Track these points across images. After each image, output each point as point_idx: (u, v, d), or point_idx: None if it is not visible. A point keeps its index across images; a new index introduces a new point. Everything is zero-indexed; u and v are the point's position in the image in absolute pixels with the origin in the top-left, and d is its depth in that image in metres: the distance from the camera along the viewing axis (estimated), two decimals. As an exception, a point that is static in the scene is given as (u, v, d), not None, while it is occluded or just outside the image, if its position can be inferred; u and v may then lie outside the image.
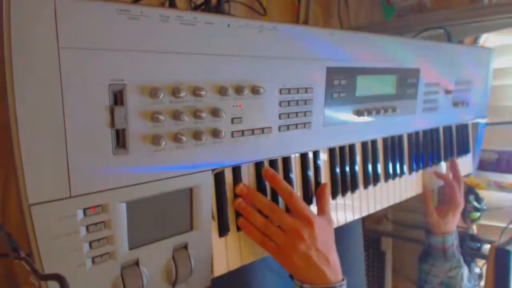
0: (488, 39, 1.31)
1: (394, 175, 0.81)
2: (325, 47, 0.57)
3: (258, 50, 0.49)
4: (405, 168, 0.84)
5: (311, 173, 0.63)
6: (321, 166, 0.65)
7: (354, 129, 0.66)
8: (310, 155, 0.63)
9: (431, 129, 0.90)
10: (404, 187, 0.84)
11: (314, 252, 0.48)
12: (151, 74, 0.40)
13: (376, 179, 0.76)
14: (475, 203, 1.36)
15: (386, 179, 0.79)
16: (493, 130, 1.23)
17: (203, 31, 0.43)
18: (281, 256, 0.50)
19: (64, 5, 0.33)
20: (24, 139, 0.33)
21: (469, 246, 1.34)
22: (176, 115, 0.42)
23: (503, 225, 1.31)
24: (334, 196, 0.68)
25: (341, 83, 0.61)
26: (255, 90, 0.49)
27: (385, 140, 0.78)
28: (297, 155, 0.62)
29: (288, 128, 0.55)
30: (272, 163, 0.58)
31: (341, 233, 0.65)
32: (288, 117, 0.54)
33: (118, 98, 0.38)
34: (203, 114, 0.44)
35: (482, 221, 1.39)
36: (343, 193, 0.69)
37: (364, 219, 1.60)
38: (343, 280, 0.52)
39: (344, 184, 0.69)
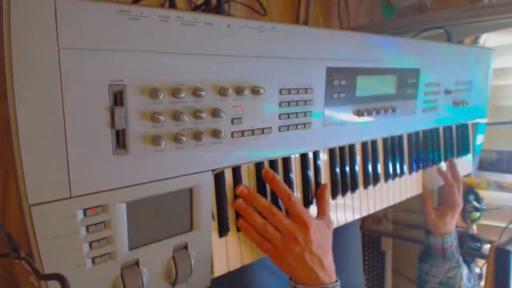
0: (488, 39, 1.31)
1: (394, 175, 0.81)
2: (325, 47, 0.57)
3: (258, 50, 0.49)
4: (405, 168, 0.84)
5: (311, 173, 0.63)
6: (321, 166, 0.65)
7: (354, 129, 0.66)
8: (310, 155, 0.63)
9: (431, 129, 0.90)
10: (404, 187, 0.84)
11: (308, 255, 0.49)
12: (151, 75, 0.40)
13: (376, 179, 0.76)
14: (475, 203, 1.36)
15: (386, 179, 0.79)
16: (493, 130, 1.23)
17: (203, 31, 0.43)
18: (277, 257, 0.52)
19: (64, 5, 0.33)
20: (24, 139, 0.33)
21: (469, 246, 1.34)
22: (176, 116, 0.42)
23: (503, 225, 1.31)
24: (334, 196, 0.68)
25: (341, 83, 0.61)
26: (255, 90, 0.49)
27: (385, 140, 0.78)
28: (297, 155, 0.62)
29: (288, 129, 0.55)
30: (272, 163, 0.58)
31: (339, 232, 0.65)
32: (288, 117, 0.54)
33: (118, 98, 0.38)
34: (203, 115, 0.44)
35: (482, 221, 1.39)
36: (343, 193, 0.69)
37: (364, 219, 1.60)
38: (336, 281, 0.53)
39: (344, 184, 0.69)
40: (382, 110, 0.69)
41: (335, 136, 0.63)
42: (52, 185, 0.35)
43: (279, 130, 0.54)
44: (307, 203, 0.63)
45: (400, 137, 0.82)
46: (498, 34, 1.29)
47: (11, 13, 0.31)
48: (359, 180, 0.73)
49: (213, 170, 0.48)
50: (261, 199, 0.52)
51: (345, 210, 0.70)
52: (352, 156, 0.71)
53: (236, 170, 0.54)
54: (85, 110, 0.36)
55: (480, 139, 1.10)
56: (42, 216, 0.35)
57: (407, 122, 0.78)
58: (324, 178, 0.66)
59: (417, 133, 0.86)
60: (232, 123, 0.48)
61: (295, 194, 0.61)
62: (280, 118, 0.53)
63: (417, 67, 0.75)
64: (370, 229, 1.63)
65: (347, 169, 0.69)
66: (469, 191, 1.39)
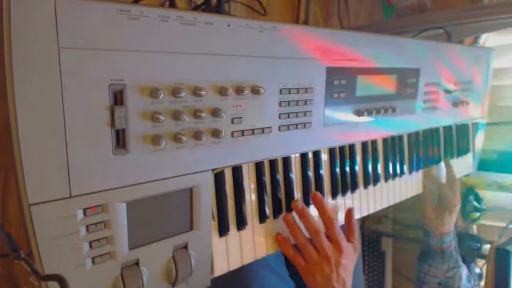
0: (488, 39, 1.31)
1: (394, 175, 0.81)
2: (325, 47, 0.57)
3: (258, 50, 0.49)
4: (405, 168, 0.84)
5: (311, 173, 0.63)
6: (321, 166, 0.65)
7: (354, 129, 0.66)
8: (310, 155, 0.63)
9: (431, 129, 0.90)
10: (404, 187, 0.84)
11: (335, 275, 0.54)
12: (151, 74, 0.40)
13: (376, 179, 0.76)
14: (475, 203, 1.36)
15: (386, 179, 0.79)
16: (493, 130, 1.23)
17: (203, 31, 0.43)
18: (307, 272, 0.55)
19: (64, 5, 0.33)
20: (24, 139, 0.33)
21: (469, 246, 1.34)
22: (176, 115, 0.42)
23: (503, 225, 1.31)
24: (334, 196, 0.68)
25: (341, 83, 0.61)
26: (255, 90, 0.49)
27: (385, 140, 0.78)
28: (297, 155, 0.62)
29: (288, 128, 0.55)
30: (272, 163, 0.58)
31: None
32: (288, 117, 0.54)
33: (118, 98, 0.38)
34: (203, 114, 0.44)
35: (482, 221, 1.39)
36: (343, 193, 0.69)
37: (364, 219, 1.60)
38: None
39: (344, 184, 0.69)
40: (382, 110, 0.69)
41: (335, 136, 0.63)
42: (52, 184, 0.35)
43: (279, 130, 0.54)
44: (307, 203, 0.63)
45: (400, 137, 0.82)
46: (498, 34, 1.29)
47: (11, 13, 0.31)
48: (359, 180, 0.73)
49: (213, 170, 0.48)
50: (311, 219, 0.56)
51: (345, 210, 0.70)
52: (352, 156, 0.71)
53: (236, 170, 0.54)
54: (85, 110, 0.36)
55: (480, 139, 1.10)
56: (42, 215, 0.35)
57: (407, 122, 0.78)
58: (324, 178, 0.66)
59: (417, 133, 0.86)
60: (232, 122, 0.48)
61: (295, 194, 0.61)
62: (280, 117, 0.53)
63: (417, 67, 0.75)
64: (370, 229, 1.63)
65: (347, 169, 0.69)
66: (469, 191, 1.39)
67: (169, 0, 0.64)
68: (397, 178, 0.82)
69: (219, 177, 0.51)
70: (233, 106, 0.48)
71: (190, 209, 0.47)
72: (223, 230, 0.52)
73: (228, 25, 0.45)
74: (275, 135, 0.53)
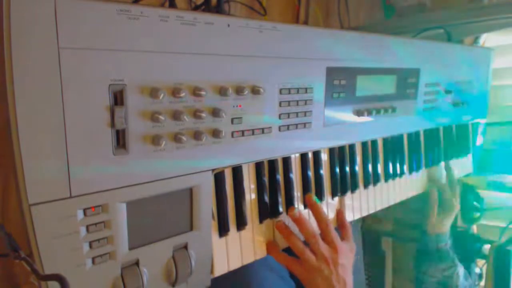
0: (488, 39, 1.31)
1: (394, 175, 0.81)
2: (325, 47, 0.57)
3: (258, 50, 0.49)
4: (405, 168, 0.84)
5: (311, 173, 0.63)
6: (321, 166, 0.65)
7: (354, 129, 0.66)
8: (310, 155, 0.63)
9: (431, 129, 0.90)
10: (404, 187, 0.84)
11: (335, 276, 0.55)
12: (151, 74, 0.40)
13: (376, 179, 0.76)
14: (475, 203, 1.36)
15: (386, 179, 0.79)
16: (493, 130, 1.23)
17: (203, 31, 0.43)
18: (306, 276, 0.56)
19: (64, 5, 0.33)
20: (24, 139, 0.33)
21: (469, 246, 1.34)
22: (176, 115, 0.42)
23: (503, 225, 1.31)
24: (334, 196, 0.68)
25: (341, 83, 0.61)
26: (255, 90, 0.49)
27: (385, 140, 0.78)
28: (297, 155, 0.62)
29: (288, 128, 0.55)
30: (272, 163, 0.58)
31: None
32: (288, 117, 0.54)
33: (118, 98, 0.38)
34: (203, 114, 0.44)
35: (482, 221, 1.39)
36: (343, 193, 0.69)
37: (364, 219, 1.60)
38: None
39: (344, 184, 0.69)
40: (382, 110, 0.69)
41: (335, 136, 0.63)
42: (52, 184, 0.35)
43: (279, 130, 0.54)
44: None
45: (400, 137, 0.82)
46: (498, 34, 1.29)
47: (11, 13, 0.31)
48: (359, 180, 0.73)
49: (213, 170, 0.48)
50: (307, 225, 0.56)
51: (345, 210, 0.70)
52: (352, 156, 0.70)
53: (236, 170, 0.54)
54: (85, 110, 0.36)
55: (480, 139, 1.10)
56: (42, 215, 0.35)
57: (407, 122, 0.78)
58: (324, 178, 0.66)
59: (417, 133, 0.86)
60: (232, 122, 0.48)
61: (295, 194, 0.61)
62: (280, 118, 0.53)
63: (417, 67, 0.75)
64: (370, 229, 1.63)
65: (347, 169, 0.69)
66: (469, 191, 1.39)
67: (169, 0, 0.64)
68: (397, 178, 0.82)
69: (219, 177, 0.51)
70: (233, 106, 0.48)
71: (190, 209, 0.47)
72: (223, 230, 0.52)
73: (228, 25, 0.45)
74: (275, 135, 0.53)
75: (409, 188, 0.86)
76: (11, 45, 0.31)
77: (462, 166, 1.04)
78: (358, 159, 0.72)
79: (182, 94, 0.42)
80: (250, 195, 0.56)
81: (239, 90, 0.47)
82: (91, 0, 0.35)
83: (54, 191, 0.35)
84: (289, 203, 0.60)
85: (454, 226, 0.93)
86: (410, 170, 0.85)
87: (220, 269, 0.52)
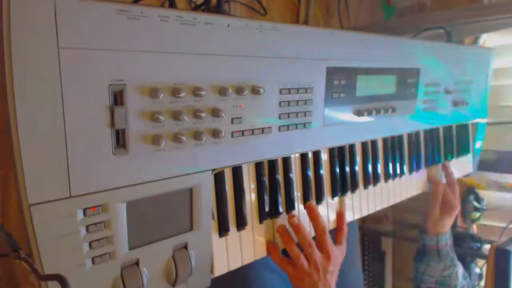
0: (488, 39, 1.31)
1: (394, 175, 0.81)
2: (325, 47, 0.57)
3: (258, 50, 0.49)
4: (405, 168, 0.84)
5: (311, 173, 0.63)
6: (321, 166, 0.65)
7: (354, 129, 0.66)
8: (310, 155, 0.63)
9: (431, 129, 0.90)
10: (404, 187, 0.84)
11: (322, 280, 0.57)
12: (151, 74, 0.40)
13: (376, 179, 0.76)
14: (475, 203, 1.36)
15: (386, 179, 0.79)
16: (493, 130, 1.23)
17: (203, 31, 0.43)
18: (295, 277, 0.58)
19: (64, 5, 0.33)
20: (24, 139, 0.33)
21: (469, 246, 1.34)
22: (176, 115, 0.42)
23: (503, 225, 1.31)
24: (334, 196, 0.68)
25: (341, 83, 0.61)
26: (255, 90, 0.49)
27: (385, 140, 0.78)
28: (297, 155, 0.62)
29: (288, 128, 0.55)
30: (272, 163, 0.58)
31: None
32: (288, 117, 0.54)
33: (118, 98, 0.38)
34: (203, 114, 0.44)
35: (482, 221, 1.39)
36: (343, 193, 0.69)
37: (364, 219, 1.60)
38: None
39: (344, 184, 0.69)
40: (382, 110, 0.69)
41: (335, 136, 0.63)
42: (52, 184, 0.35)
43: (279, 130, 0.54)
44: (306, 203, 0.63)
45: (400, 137, 0.82)
46: (498, 34, 1.29)
47: (10, 13, 0.31)
48: (359, 180, 0.73)
49: (213, 170, 0.48)
50: (305, 234, 0.58)
51: (345, 210, 0.70)
52: (352, 156, 0.70)
53: (236, 170, 0.54)
54: (85, 110, 0.36)
55: (480, 139, 1.10)
56: (42, 215, 0.35)
57: (407, 122, 0.78)
58: (324, 178, 0.66)
59: (417, 133, 0.86)
60: (232, 122, 0.48)
61: (295, 194, 0.61)
62: (280, 118, 0.53)
63: (417, 67, 0.75)
64: (370, 229, 1.63)
65: (347, 169, 0.69)
66: (469, 191, 1.39)
67: (169, 0, 0.64)
68: (397, 178, 0.82)
69: (219, 177, 0.51)
70: (233, 106, 0.48)
71: (190, 209, 0.47)
72: (223, 230, 0.52)
73: (228, 25, 0.45)
74: (275, 135, 0.53)
75: (409, 188, 0.86)
76: (11, 45, 0.31)
77: (462, 166, 1.04)
78: (358, 159, 0.72)
79: (182, 94, 0.42)
80: (250, 195, 0.56)
81: (239, 90, 0.47)
82: (91, 0, 0.35)
83: (54, 191, 0.35)
84: (289, 203, 0.60)
85: (454, 226, 0.93)
86: (410, 170, 0.85)
87: (220, 269, 0.52)
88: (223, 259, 0.52)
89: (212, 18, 0.44)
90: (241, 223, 0.54)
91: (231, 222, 0.53)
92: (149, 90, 0.40)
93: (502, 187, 1.32)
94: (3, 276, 0.63)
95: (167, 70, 0.41)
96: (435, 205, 0.89)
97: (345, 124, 0.64)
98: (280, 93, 0.52)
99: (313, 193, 0.64)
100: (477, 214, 1.36)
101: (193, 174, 0.45)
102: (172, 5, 0.64)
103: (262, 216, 0.57)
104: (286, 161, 0.60)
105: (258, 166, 0.56)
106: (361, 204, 0.73)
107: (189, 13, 0.42)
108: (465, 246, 1.33)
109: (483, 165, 1.28)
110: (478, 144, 1.10)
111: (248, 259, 0.56)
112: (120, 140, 0.39)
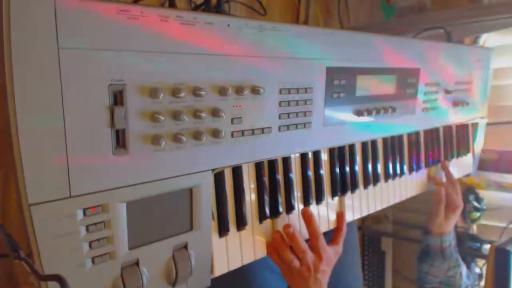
0: (488, 39, 1.31)
1: (394, 175, 0.81)
2: (325, 47, 0.57)
3: (258, 50, 0.49)
4: (405, 168, 0.84)
5: (311, 173, 0.63)
6: (321, 166, 0.65)
7: (354, 129, 0.66)
8: (310, 155, 0.63)
9: (431, 129, 0.90)
10: (404, 187, 0.84)
11: (313, 279, 0.59)
12: (151, 74, 0.40)
13: (376, 179, 0.76)
14: (475, 203, 1.36)
15: (386, 179, 0.79)
16: (493, 130, 1.23)
17: (203, 31, 0.43)
18: (287, 273, 0.60)
19: (64, 5, 0.33)
20: (24, 139, 0.33)
21: (469, 246, 1.34)
22: (176, 115, 0.42)
23: (503, 225, 1.31)
24: (334, 196, 0.68)
25: (341, 83, 0.61)
26: (255, 90, 0.49)
27: (385, 140, 0.78)
28: (297, 155, 0.62)
29: (288, 128, 0.55)
30: (272, 163, 0.58)
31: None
32: (288, 117, 0.54)
33: (118, 98, 0.38)
34: (203, 114, 0.44)
35: (482, 221, 1.39)
36: (343, 193, 0.69)
37: (364, 219, 1.60)
38: None
39: (344, 184, 0.69)
40: (382, 110, 0.69)
41: (335, 136, 0.63)
42: (52, 184, 0.35)
43: (279, 130, 0.54)
44: (307, 203, 0.63)
45: (400, 137, 0.82)
46: (498, 34, 1.29)
47: (10, 13, 0.31)
48: (359, 180, 0.73)
49: (213, 170, 0.48)
50: (300, 243, 0.58)
51: (345, 210, 0.70)
52: (352, 156, 0.70)
53: (236, 170, 0.54)
54: (85, 110, 0.36)
55: (480, 139, 1.10)
56: (42, 215, 0.35)
57: (407, 122, 0.78)
58: (324, 178, 0.66)
59: (417, 133, 0.86)
60: (232, 122, 0.48)
61: (295, 194, 0.61)
62: (280, 118, 0.53)
63: (417, 67, 0.75)
64: (370, 229, 1.63)
65: (347, 169, 0.69)
66: (469, 191, 1.39)
67: (169, 0, 0.64)
68: (397, 178, 0.82)
69: (219, 177, 0.51)
70: (233, 106, 0.48)
71: (190, 209, 0.47)
72: (223, 230, 0.52)
73: (228, 25, 0.45)
74: (275, 135, 0.53)
75: (409, 188, 0.86)
76: (11, 45, 0.31)
77: (462, 166, 1.04)
78: (358, 159, 0.72)
79: (182, 94, 0.42)
80: (250, 195, 0.56)
81: (239, 90, 0.47)
82: (91, 0, 0.35)
83: (54, 191, 0.35)
84: (289, 203, 0.60)
85: (454, 226, 0.92)
86: (410, 170, 0.85)
87: (220, 269, 0.52)
88: (223, 259, 0.52)
89: (212, 18, 0.44)
90: (241, 223, 0.54)
91: (231, 222, 0.53)
92: (149, 90, 0.40)
93: (502, 187, 1.32)
94: (3, 276, 0.63)
95: (167, 70, 0.41)
96: (440, 205, 0.88)
97: (345, 124, 0.64)
98: (280, 93, 0.52)
99: (313, 193, 0.64)
100: (477, 214, 1.36)
101: (193, 174, 0.45)
102: (172, 5, 0.64)
103: (262, 216, 0.57)
104: (286, 161, 0.60)
105: (258, 166, 0.56)
106: (361, 204, 0.73)
107: (189, 13, 0.42)
108: (465, 246, 1.33)
109: (483, 165, 1.28)
110: (478, 144, 1.10)
111: (248, 259, 0.56)
112: (120, 140, 0.39)
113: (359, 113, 0.65)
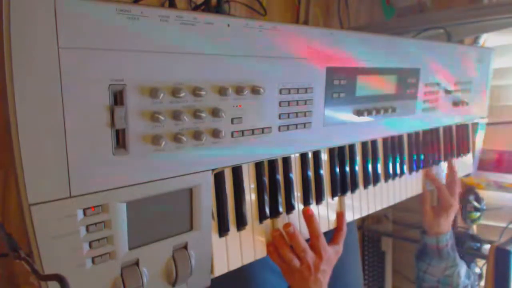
0: (488, 39, 1.31)
1: (394, 175, 0.81)
2: (325, 47, 0.57)
3: (258, 50, 0.49)
4: (405, 168, 0.84)
5: (311, 173, 0.63)
6: (321, 166, 0.65)
7: (354, 129, 0.66)
8: (310, 155, 0.63)
9: (431, 129, 0.90)
10: (404, 187, 0.84)
11: (313, 278, 0.59)
12: (151, 74, 0.40)
13: (376, 179, 0.76)
14: (475, 203, 1.36)
15: (386, 179, 0.79)
16: (493, 130, 1.23)
17: (203, 31, 0.43)
18: (288, 272, 0.60)
19: (64, 5, 0.33)
20: (24, 139, 0.33)
21: (469, 246, 1.34)
22: (176, 115, 0.42)
23: (503, 225, 1.31)
24: (334, 196, 0.68)
25: (341, 83, 0.61)
26: (255, 90, 0.49)
27: (385, 140, 0.78)
28: (297, 155, 0.62)
29: (288, 128, 0.55)
30: (272, 163, 0.58)
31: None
32: (288, 117, 0.54)
33: (118, 98, 0.38)
34: (203, 114, 0.44)
35: (482, 221, 1.39)
36: (343, 193, 0.69)
37: (364, 219, 1.60)
38: None
39: (344, 184, 0.69)
40: (382, 110, 0.69)
41: (335, 136, 0.63)
42: (52, 184, 0.35)
43: (279, 130, 0.54)
44: (307, 203, 0.63)
45: (400, 137, 0.82)
46: (498, 34, 1.29)
47: (11, 13, 0.31)
48: (359, 180, 0.73)
49: (213, 170, 0.48)
50: (300, 241, 0.59)
51: (345, 210, 0.70)
52: (352, 156, 0.70)
53: (236, 170, 0.54)
54: (85, 110, 0.36)
55: (480, 139, 1.10)
56: (42, 215, 0.35)
57: (407, 122, 0.78)
58: (324, 178, 0.66)
59: (417, 133, 0.86)
60: (232, 122, 0.48)
61: (295, 193, 0.61)
62: (280, 118, 0.53)
63: (417, 67, 0.75)
64: (370, 229, 1.63)
65: (347, 169, 0.69)
66: (469, 191, 1.39)
67: (169, 0, 0.64)
68: (397, 178, 0.82)
69: (219, 177, 0.51)
70: (233, 106, 0.48)
71: (190, 209, 0.47)
72: (223, 230, 0.52)
73: (228, 25, 0.45)
74: (275, 135, 0.53)
75: (409, 188, 0.86)
76: (11, 45, 0.31)
77: (462, 166, 1.04)
78: (358, 159, 0.72)
79: (182, 94, 0.42)
80: (250, 195, 0.56)
81: (239, 90, 0.47)
82: (91, 0, 0.35)
83: (54, 191, 0.35)
84: (289, 203, 0.60)
85: (454, 226, 0.92)
86: (410, 170, 0.85)
87: (220, 269, 0.52)
88: (223, 259, 0.52)
89: (212, 18, 0.44)
90: (241, 223, 0.54)
91: (231, 222, 0.53)
92: (149, 90, 0.40)
93: (502, 187, 1.32)
94: (3, 276, 0.63)
95: (167, 70, 0.41)
96: (424, 205, 0.89)
97: (345, 124, 0.64)
98: (280, 93, 0.52)
99: (313, 193, 0.64)
100: (477, 214, 1.36)
101: (193, 174, 0.45)
102: (172, 5, 0.64)
103: (262, 216, 0.57)
104: (286, 161, 0.60)
105: (258, 166, 0.56)
106: (361, 204, 0.73)
107: (189, 13, 0.42)
108: (465, 246, 1.33)
109: (483, 165, 1.28)
110: (478, 144, 1.10)
111: (248, 259, 0.56)
112: (120, 140, 0.39)
113: (359, 113, 0.65)
